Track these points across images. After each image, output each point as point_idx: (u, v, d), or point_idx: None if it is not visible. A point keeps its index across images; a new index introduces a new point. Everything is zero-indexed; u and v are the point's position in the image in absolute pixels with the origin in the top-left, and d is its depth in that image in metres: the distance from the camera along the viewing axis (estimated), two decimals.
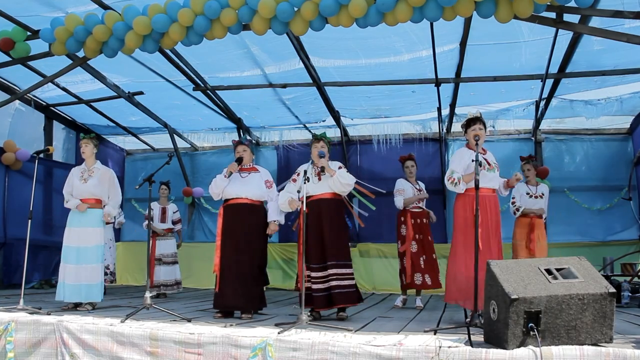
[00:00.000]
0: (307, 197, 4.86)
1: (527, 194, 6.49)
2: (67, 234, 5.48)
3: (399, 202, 6.29)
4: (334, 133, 9.01)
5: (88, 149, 5.63)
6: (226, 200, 5.15)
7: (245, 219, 5.01)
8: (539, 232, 6.36)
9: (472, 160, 4.40)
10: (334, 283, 4.73)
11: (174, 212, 7.83)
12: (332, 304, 4.75)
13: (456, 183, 4.62)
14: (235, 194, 5.08)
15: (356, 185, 6.52)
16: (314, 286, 4.74)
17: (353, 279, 4.86)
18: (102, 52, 5.41)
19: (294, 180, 5.04)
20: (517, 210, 6.39)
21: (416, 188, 6.34)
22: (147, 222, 7.82)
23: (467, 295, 4.38)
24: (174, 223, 7.81)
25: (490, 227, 4.52)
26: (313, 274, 4.76)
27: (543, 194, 6.51)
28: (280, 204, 5.05)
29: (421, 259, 6.12)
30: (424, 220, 6.31)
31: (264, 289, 5.19)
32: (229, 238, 5.00)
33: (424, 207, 6.37)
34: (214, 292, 5.00)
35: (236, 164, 5.10)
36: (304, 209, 4.40)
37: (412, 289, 6.17)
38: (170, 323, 4.19)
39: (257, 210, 5.09)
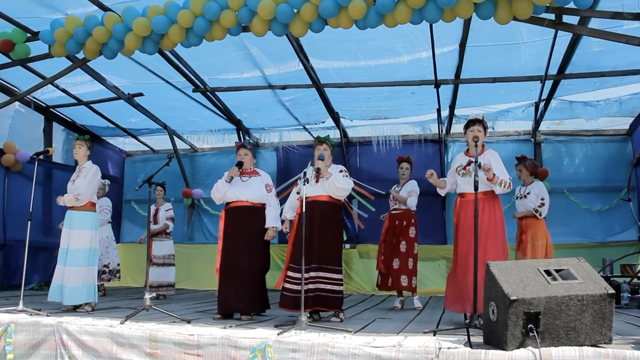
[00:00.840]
0: (306, 199, 4.87)
1: (516, 196, 6.52)
2: (62, 235, 5.49)
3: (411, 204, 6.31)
4: (334, 134, 9.01)
5: (81, 150, 5.60)
6: (227, 203, 5.15)
7: (247, 222, 5.02)
8: (532, 232, 6.31)
9: (464, 164, 4.47)
10: (311, 286, 4.68)
11: (166, 211, 7.79)
12: (306, 307, 4.61)
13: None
14: (235, 197, 5.08)
15: (356, 187, 6.55)
16: (290, 286, 4.71)
17: (338, 284, 4.78)
18: (102, 54, 5.42)
19: (297, 184, 5.06)
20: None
21: (395, 190, 6.33)
22: (143, 237, 7.86)
23: (462, 300, 4.43)
24: (167, 219, 7.77)
25: (479, 230, 4.44)
26: (293, 274, 4.74)
27: (529, 193, 6.46)
28: (283, 211, 5.08)
29: (394, 260, 6.10)
30: (398, 222, 6.23)
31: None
32: (230, 241, 5.00)
33: (405, 209, 6.23)
34: (218, 295, 5.00)
35: (237, 169, 5.10)
36: (303, 210, 4.40)
37: (386, 290, 6.25)
38: (169, 324, 4.19)
39: (259, 212, 5.10)
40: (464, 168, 4.68)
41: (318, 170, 4.81)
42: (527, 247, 6.25)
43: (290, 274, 4.78)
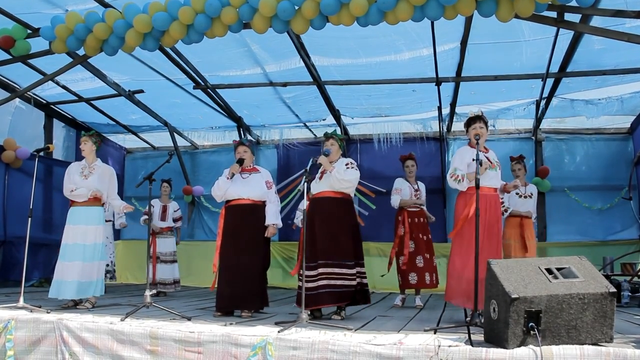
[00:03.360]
0: (312, 196, 4.86)
1: (517, 194, 6.48)
2: (66, 232, 5.48)
3: (395, 200, 6.27)
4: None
5: (87, 146, 5.62)
6: (228, 201, 5.14)
7: (248, 219, 5.02)
8: (529, 233, 6.35)
9: (473, 160, 4.41)
10: (322, 282, 4.65)
11: (175, 211, 7.82)
12: (317, 303, 4.64)
13: (459, 180, 4.55)
14: (237, 194, 5.08)
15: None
16: (305, 285, 4.70)
17: (349, 278, 4.71)
18: (103, 50, 5.41)
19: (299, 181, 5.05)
20: (506, 211, 6.38)
21: (414, 188, 6.31)
22: (144, 217, 7.88)
23: (466, 295, 4.38)
24: (174, 221, 7.80)
25: (490, 226, 4.49)
26: (305, 272, 4.72)
27: (532, 194, 6.48)
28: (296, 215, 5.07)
29: (417, 258, 6.08)
30: (421, 219, 6.26)
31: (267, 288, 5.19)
32: (231, 238, 4.99)
33: (421, 207, 6.32)
34: (217, 292, 5.00)
35: (238, 165, 5.09)
36: (305, 208, 4.40)
37: (409, 288, 6.16)
38: (170, 321, 4.19)
39: (259, 210, 5.09)
40: (490, 162, 4.57)
41: (319, 165, 4.78)
42: (527, 245, 6.26)
43: (304, 272, 4.75)
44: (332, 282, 4.66)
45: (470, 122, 4.66)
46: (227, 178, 5.06)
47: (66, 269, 5.34)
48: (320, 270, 4.67)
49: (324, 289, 4.64)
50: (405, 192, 6.28)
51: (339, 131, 8.85)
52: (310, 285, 4.63)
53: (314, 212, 4.80)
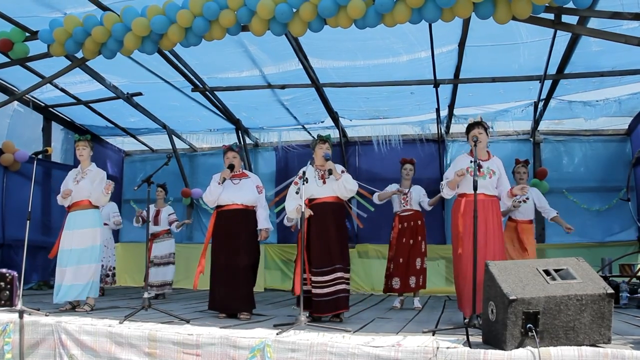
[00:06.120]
0: (312, 200, 4.85)
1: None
2: (63, 238, 5.47)
3: (374, 197, 6.45)
4: (333, 134, 8.98)
5: (86, 151, 5.62)
6: (219, 206, 5.18)
7: (241, 224, 5.08)
8: (526, 237, 6.34)
9: (471, 162, 4.42)
10: (340, 287, 4.70)
11: (169, 215, 7.81)
12: (336, 309, 4.69)
13: (442, 187, 4.76)
14: (229, 200, 5.13)
15: None
16: (317, 291, 4.67)
17: (349, 283, 4.88)
18: (101, 53, 5.42)
19: (296, 183, 5.02)
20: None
21: (401, 192, 6.34)
22: (136, 217, 7.87)
23: (465, 299, 4.41)
24: (170, 223, 7.80)
25: (484, 232, 4.45)
26: (315, 278, 4.70)
27: (528, 198, 6.47)
28: (288, 212, 5.04)
29: (400, 262, 6.11)
30: (413, 222, 6.25)
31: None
32: (226, 241, 5.04)
33: (416, 210, 6.30)
34: (211, 293, 5.03)
35: (229, 171, 5.14)
36: (303, 210, 4.39)
37: (392, 292, 6.22)
38: (168, 324, 4.19)
39: (251, 215, 5.19)
40: (478, 170, 4.53)
41: (330, 172, 4.80)
42: (529, 249, 6.27)
43: (315, 278, 4.70)
44: (347, 286, 4.76)
45: (470, 128, 4.69)
46: (219, 183, 5.10)
47: (61, 274, 5.35)
48: (338, 274, 4.70)
49: (342, 294, 4.70)
50: (394, 196, 6.38)
51: (337, 133, 8.95)
52: (325, 290, 4.65)
53: (326, 217, 4.80)
